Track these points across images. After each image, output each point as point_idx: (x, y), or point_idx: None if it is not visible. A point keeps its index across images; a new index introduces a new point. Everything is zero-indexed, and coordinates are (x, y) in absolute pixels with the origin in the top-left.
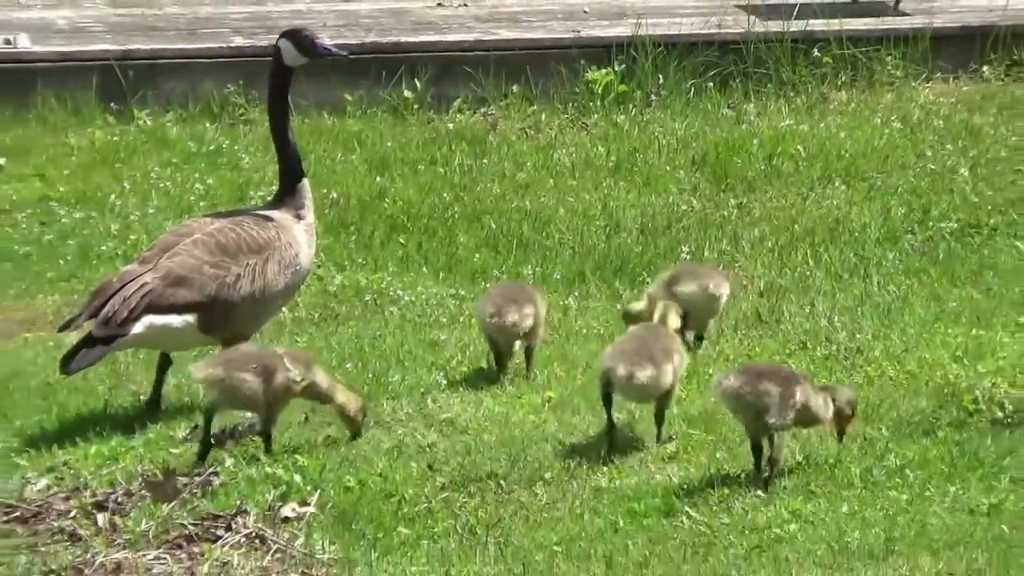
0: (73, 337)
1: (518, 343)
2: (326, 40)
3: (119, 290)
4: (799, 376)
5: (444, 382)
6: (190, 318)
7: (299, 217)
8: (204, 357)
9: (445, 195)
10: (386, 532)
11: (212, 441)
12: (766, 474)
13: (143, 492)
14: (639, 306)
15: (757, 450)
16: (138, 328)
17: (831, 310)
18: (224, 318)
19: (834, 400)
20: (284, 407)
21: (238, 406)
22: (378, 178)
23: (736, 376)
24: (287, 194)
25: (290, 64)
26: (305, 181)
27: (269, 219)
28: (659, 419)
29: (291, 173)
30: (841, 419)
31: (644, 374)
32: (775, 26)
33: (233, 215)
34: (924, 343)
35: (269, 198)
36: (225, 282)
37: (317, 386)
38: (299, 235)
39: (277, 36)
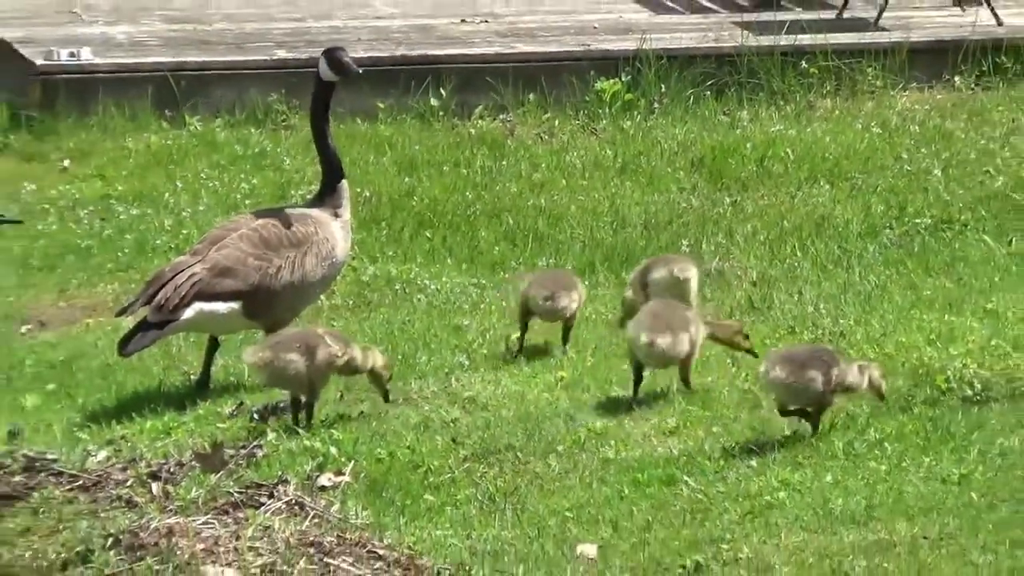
0: (129, 322)
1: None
2: (348, 57)
3: (171, 279)
4: (836, 357)
5: (466, 363)
6: (235, 305)
7: (337, 215)
8: (251, 341)
9: (468, 194)
10: (414, 499)
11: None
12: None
13: (193, 463)
14: (629, 294)
15: (787, 415)
16: (188, 314)
17: (817, 298)
18: (266, 305)
19: (867, 370)
20: (326, 383)
21: (285, 385)
22: (407, 178)
23: (782, 367)
24: (327, 194)
25: (324, 79)
26: (344, 182)
27: (309, 216)
28: (684, 382)
29: (331, 175)
30: (873, 387)
31: (663, 341)
32: (766, 40)
33: (276, 212)
34: (901, 328)
35: (309, 196)
36: (267, 273)
37: (354, 360)
38: (336, 231)
39: (318, 50)
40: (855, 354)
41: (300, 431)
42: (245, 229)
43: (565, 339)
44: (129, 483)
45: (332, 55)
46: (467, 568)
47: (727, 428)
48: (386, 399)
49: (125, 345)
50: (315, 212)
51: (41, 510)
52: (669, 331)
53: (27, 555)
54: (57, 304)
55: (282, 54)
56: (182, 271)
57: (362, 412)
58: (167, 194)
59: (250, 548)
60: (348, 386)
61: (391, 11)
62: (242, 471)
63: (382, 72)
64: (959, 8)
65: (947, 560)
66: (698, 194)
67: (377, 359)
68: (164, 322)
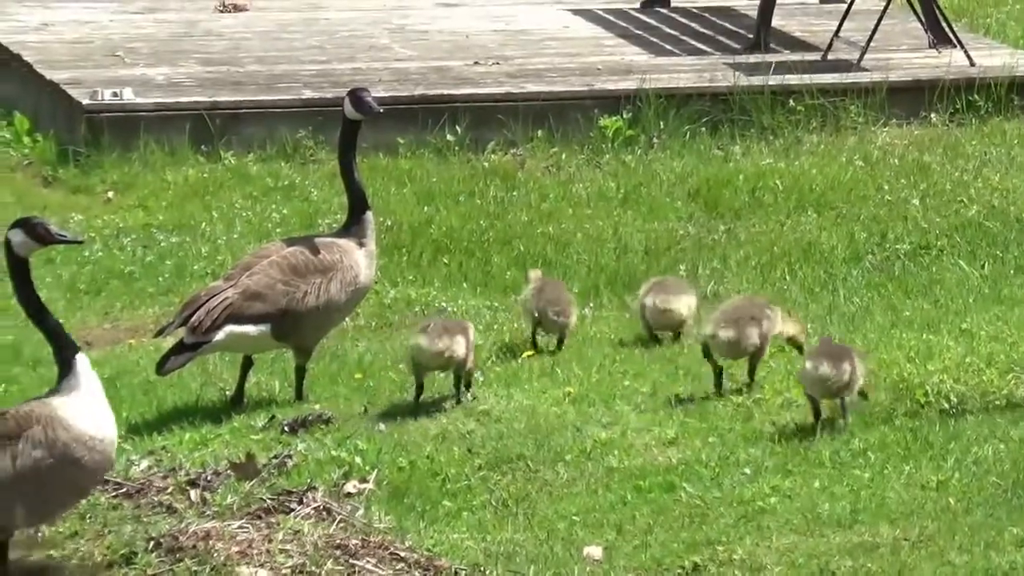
0: (168, 343)
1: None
2: (370, 98)
3: (205, 303)
4: (852, 352)
5: (481, 379)
6: (264, 327)
7: (361, 244)
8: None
9: (481, 222)
10: (433, 505)
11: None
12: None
13: (228, 472)
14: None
15: (818, 413)
16: (220, 336)
17: (804, 318)
18: (294, 327)
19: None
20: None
21: (442, 369)
22: (425, 208)
23: (825, 363)
24: (353, 224)
25: (350, 117)
26: (369, 213)
27: (335, 244)
28: (750, 374)
29: (357, 206)
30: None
31: (726, 334)
32: (757, 80)
33: (305, 240)
34: (883, 346)
35: (335, 225)
36: (295, 297)
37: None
38: (360, 259)
39: (342, 90)
40: None
41: (327, 442)
42: (275, 256)
43: (560, 345)
44: (169, 490)
45: (356, 95)
46: (482, 568)
47: (722, 438)
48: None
49: (163, 365)
50: (342, 241)
51: (88, 515)
52: (734, 326)
53: (75, 557)
54: (102, 326)
55: (309, 94)
56: (215, 295)
57: (383, 427)
58: (204, 223)
59: (281, 550)
60: (372, 400)
61: (410, 54)
62: (274, 479)
63: (402, 110)
64: (935, 50)
65: (926, 560)
66: (694, 222)
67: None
68: (198, 343)
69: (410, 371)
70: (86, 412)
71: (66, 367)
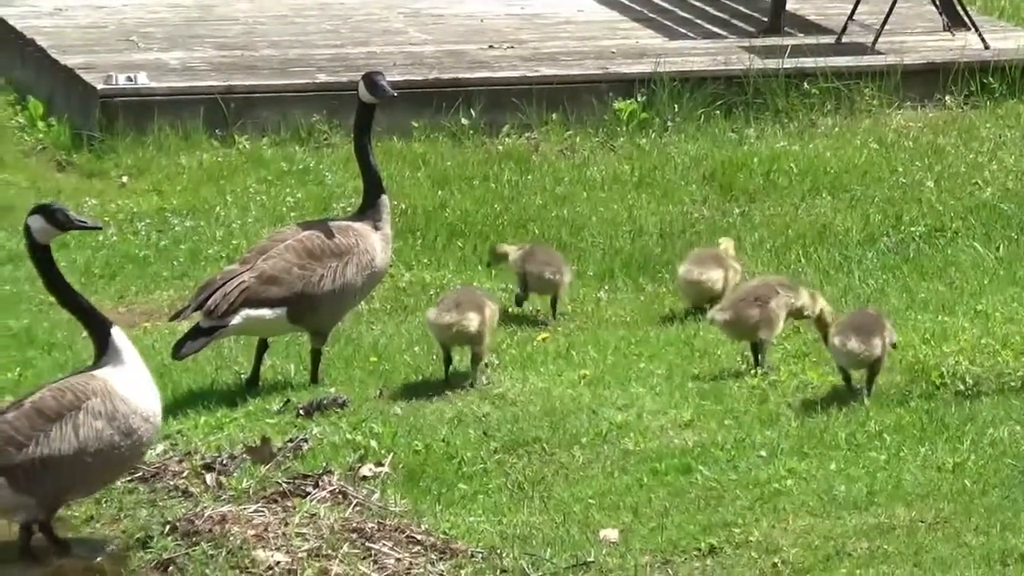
0: (184, 326)
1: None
2: (385, 81)
3: (221, 286)
4: (883, 319)
5: (496, 362)
6: (280, 311)
7: (377, 228)
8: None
9: (496, 206)
10: (448, 488)
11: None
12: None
13: (244, 455)
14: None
15: (848, 379)
16: (236, 320)
17: None
18: (310, 311)
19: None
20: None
21: (456, 343)
22: (440, 192)
23: (853, 339)
24: (369, 207)
25: (364, 101)
26: (384, 197)
27: (351, 228)
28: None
29: (372, 190)
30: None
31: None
32: (771, 63)
33: (321, 224)
34: (898, 328)
35: (350, 209)
36: (311, 281)
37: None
38: (375, 242)
39: (357, 75)
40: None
41: (342, 426)
42: (291, 240)
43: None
44: (185, 474)
45: (370, 79)
46: (498, 551)
47: (738, 421)
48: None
49: (179, 348)
50: (357, 225)
51: (104, 499)
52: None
53: (91, 540)
54: (117, 310)
55: (323, 78)
56: (231, 279)
57: (399, 411)
58: (218, 207)
59: (297, 534)
60: (387, 383)
61: (424, 38)
62: (289, 463)
63: (416, 94)
64: (949, 33)
65: (942, 542)
66: (709, 205)
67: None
68: (215, 327)
69: (436, 343)
70: (138, 384)
71: (103, 343)
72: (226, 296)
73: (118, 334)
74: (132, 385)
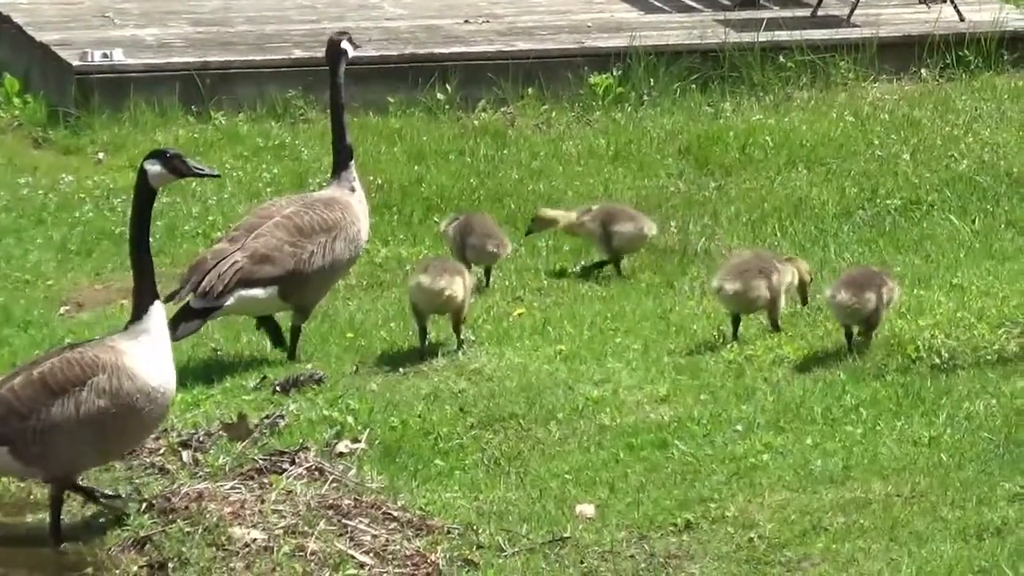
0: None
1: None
2: (348, 46)
3: (214, 267)
4: (884, 276)
5: (472, 338)
6: (273, 289)
7: (352, 189)
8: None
9: (472, 181)
10: (425, 464)
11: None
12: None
13: (220, 432)
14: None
15: (849, 336)
16: (231, 300)
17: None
18: (301, 288)
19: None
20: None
21: (440, 310)
22: (416, 167)
23: (845, 291)
24: (341, 170)
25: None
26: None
27: (335, 201)
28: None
29: (345, 150)
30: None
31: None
32: (747, 37)
33: (306, 199)
34: None
35: (324, 185)
36: (301, 258)
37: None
38: (359, 212)
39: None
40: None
41: (319, 402)
42: (279, 217)
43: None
44: (161, 451)
45: (330, 40)
46: (474, 527)
47: (714, 396)
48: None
49: (174, 331)
50: (339, 196)
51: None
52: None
53: (67, 519)
54: (93, 287)
55: (299, 53)
56: (223, 259)
57: (375, 387)
58: (194, 183)
59: (274, 511)
60: (363, 359)
61: (400, 12)
62: (266, 439)
63: (392, 69)
64: (924, 5)
65: (919, 516)
66: (685, 179)
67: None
68: (209, 308)
69: (412, 315)
70: (152, 360)
71: (141, 311)
72: (220, 277)
73: (158, 309)
74: (146, 361)
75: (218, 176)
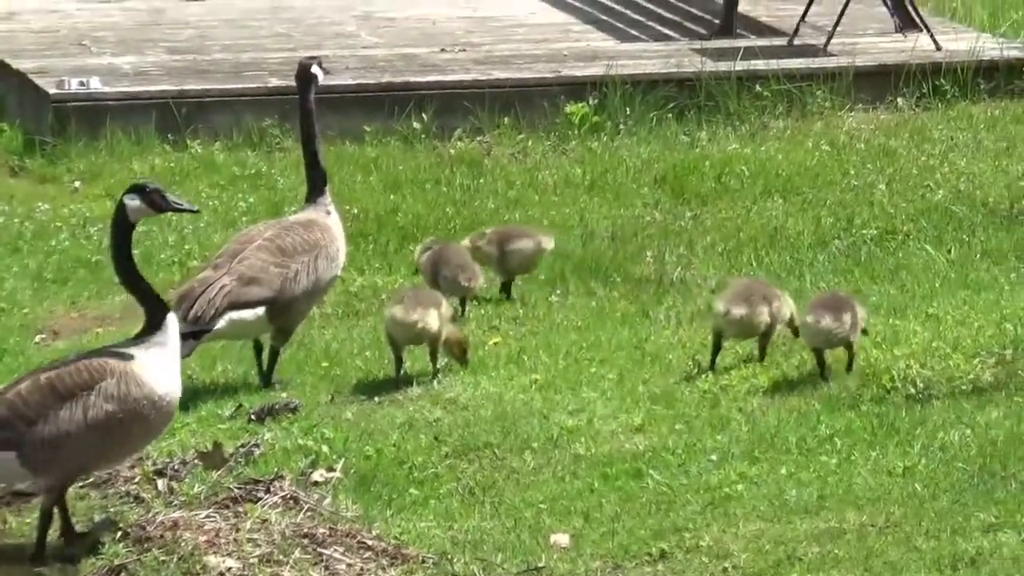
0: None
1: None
2: (319, 71)
3: (203, 293)
4: (852, 300)
5: (448, 367)
6: (261, 311)
7: (328, 213)
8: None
9: (448, 210)
10: (399, 493)
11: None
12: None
13: (196, 461)
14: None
15: (823, 363)
16: (221, 324)
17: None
18: (287, 309)
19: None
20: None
21: (415, 342)
22: (391, 196)
23: (824, 316)
24: (316, 195)
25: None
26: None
27: (313, 223)
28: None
29: (319, 175)
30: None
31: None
32: (723, 66)
33: (280, 223)
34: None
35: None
36: (288, 278)
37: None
38: (337, 232)
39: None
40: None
41: (294, 431)
42: (260, 240)
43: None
44: (136, 480)
45: (300, 64)
46: (449, 556)
47: (689, 425)
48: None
49: None
50: (315, 217)
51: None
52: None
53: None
54: (69, 315)
55: (276, 82)
56: (211, 285)
57: (350, 416)
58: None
59: (249, 539)
60: (339, 388)
61: (376, 41)
62: (241, 468)
63: (368, 97)
64: (901, 34)
65: (893, 546)
66: (661, 208)
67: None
68: (200, 332)
69: (387, 345)
70: (161, 371)
71: (154, 323)
72: (211, 302)
73: (172, 320)
74: (155, 370)
75: (197, 211)
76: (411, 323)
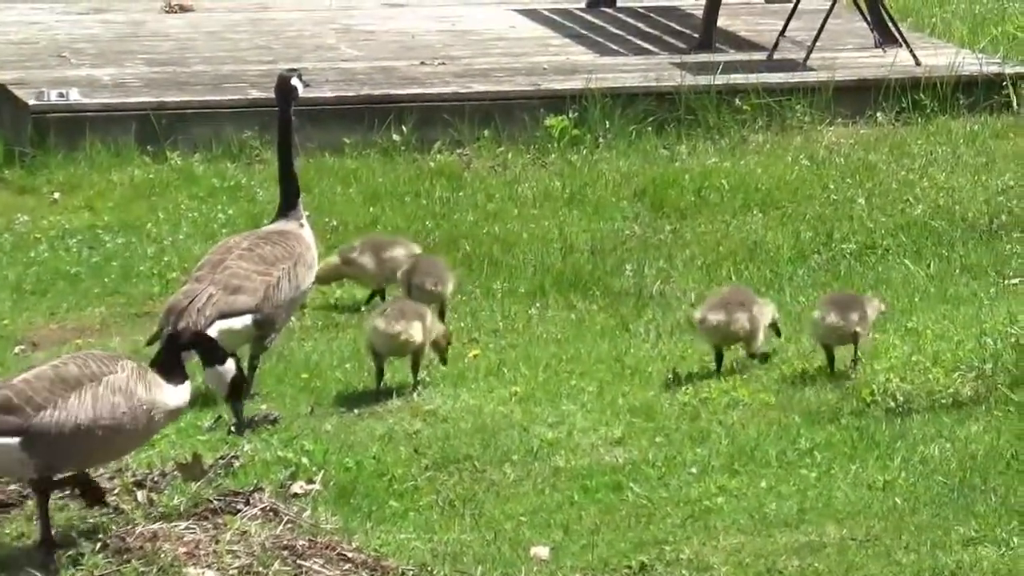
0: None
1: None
2: (298, 83)
3: (189, 305)
4: (864, 299)
5: (428, 379)
6: (247, 319)
7: (301, 225)
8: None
9: (427, 222)
10: (379, 505)
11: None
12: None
13: (175, 472)
14: None
15: (832, 358)
16: (211, 333)
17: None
18: (272, 316)
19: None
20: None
21: (398, 353)
22: (371, 208)
23: (834, 313)
24: (289, 209)
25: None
26: (302, 196)
27: (287, 232)
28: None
29: (294, 192)
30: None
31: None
32: (703, 80)
33: (256, 233)
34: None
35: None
36: (271, 284)
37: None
38: (310, 240)
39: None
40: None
41: (274, 443)
42: (239, 250)
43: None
44: (116, 491)
45: (280, 76)
46: (429, 569)
47: (669, 438)
48: (444, 362)
49: None
50: (288, 227)
51: (34, 516)
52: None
53: (22, 559)
54: (48, 326)
55: (256, 94)
56: (197, 296)
57: (329, 429)
58: (150, 224)
59: (229, 551)
60: (318, 400)
61: (356, 54)
62: (220, 480)
63: (348, 110)
64: (881, 49)
65: (873, 560)
66: (640, 222)
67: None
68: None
69: (368, 356)
70: (170, 390)
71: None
72: (200, 312)
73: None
74: (165, 388)
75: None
76: (394, 335)
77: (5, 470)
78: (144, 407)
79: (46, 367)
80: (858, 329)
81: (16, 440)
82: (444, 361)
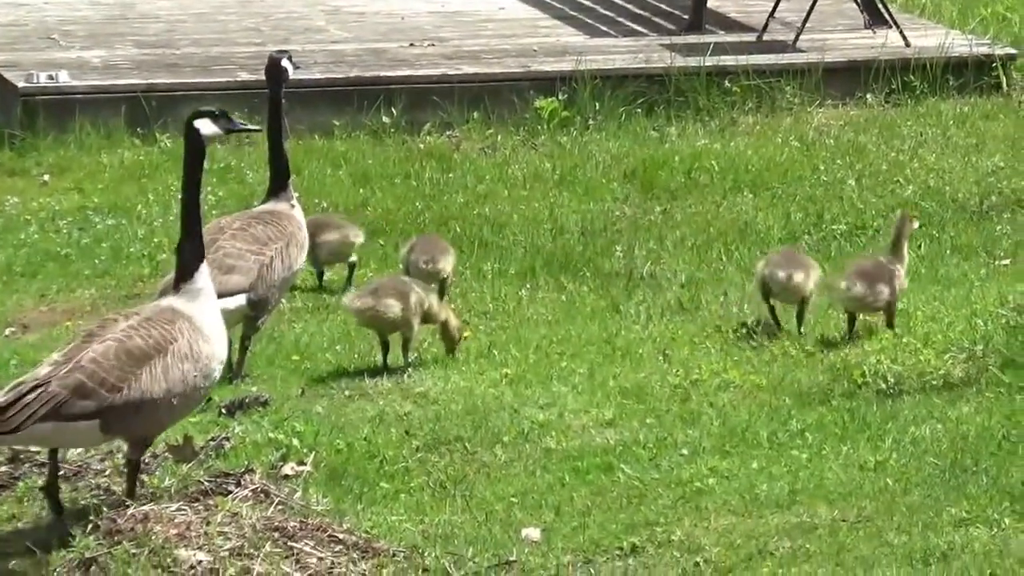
0: None
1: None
2: (288, 65)
3: None
4: (890, 266)
5: (419, 361)
6: (242, 298)
7: (292, 206)
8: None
9: (417, 204)
10: (370, 487)
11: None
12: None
13: (166, 454)
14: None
15: (853, 321)
16: None
17: (741, 299)
18: (266, 295)
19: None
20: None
21: (383, 328)
22: (361, 190)
23: (860, 284)
24: (280, 189)
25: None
26: (292, 177)
27: (278, 212)
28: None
29: (284, 172)
30: None
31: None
32: (693, 61)
33: (247, 213)
34: (820, 326)
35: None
36: (264, 264)
37: (432, 306)
38: (301, 220)
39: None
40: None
41: (264, 424)
42: (231, 231)
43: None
44: (107, 473)
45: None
46: (420, 550)
47: (660, 419)
48: (450, 353)
49: None
50: (279, 208)
51: (25, 499)
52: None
53: (13, 540)
54: (39, 308)
55: (245, 76)
56: None
57: (321, 410)
58: (140, 206)
59: (219, 533)
60: (309, 382)
61: (345, 36)
62: (211, 461)
63: (337, 92)
64: (870, 31)
65: (864, 541)
66: (630, 203)
67: (452, 320)
68: None
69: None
70: (215, 324)
71: (189, 271)
72: None
73: (205, 270)
74: (211, 325)
75: (260, 131)
76: (359, 310)
77: (91, 445)
78: (208, 363)
79: (109, 340)
80: (889, 299)
81: (96, 422)
82: (451, 352)
